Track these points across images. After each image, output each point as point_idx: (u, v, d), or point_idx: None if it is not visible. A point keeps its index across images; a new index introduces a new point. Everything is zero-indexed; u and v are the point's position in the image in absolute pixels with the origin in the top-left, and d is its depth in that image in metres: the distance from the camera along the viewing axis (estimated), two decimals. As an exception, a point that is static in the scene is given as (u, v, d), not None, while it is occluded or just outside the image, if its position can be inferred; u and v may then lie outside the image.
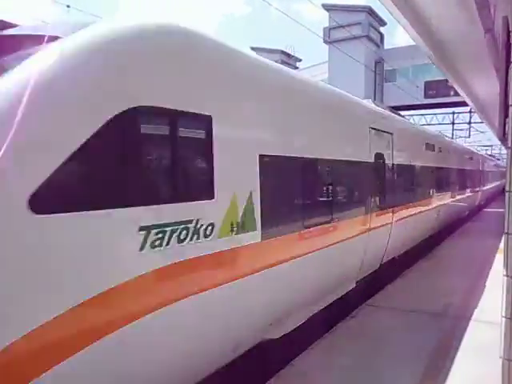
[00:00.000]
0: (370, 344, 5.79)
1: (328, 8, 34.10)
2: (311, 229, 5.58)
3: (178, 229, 3.49)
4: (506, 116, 3.81)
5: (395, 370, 5.05)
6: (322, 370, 5.05)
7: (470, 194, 20.03)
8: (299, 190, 5.55)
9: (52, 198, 2.77)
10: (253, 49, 34.67)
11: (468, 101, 14.52)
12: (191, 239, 3.62)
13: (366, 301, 7.63)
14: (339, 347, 5.69)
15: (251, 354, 4.91)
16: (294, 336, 5.66)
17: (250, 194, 4.40)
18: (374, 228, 7.79)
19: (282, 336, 5.40)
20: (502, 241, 3.95)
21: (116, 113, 3.10)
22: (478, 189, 22.87)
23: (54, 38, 3.13)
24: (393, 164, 8.99)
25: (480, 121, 28.59)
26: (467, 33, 6.82)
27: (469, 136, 39.64)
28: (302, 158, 5.47)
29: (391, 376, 4.92)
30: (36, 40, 3.12)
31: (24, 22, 3.86)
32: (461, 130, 39.86)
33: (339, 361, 5.27)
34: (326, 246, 6.00)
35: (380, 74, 34.65)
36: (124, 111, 3.15)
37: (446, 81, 14.19)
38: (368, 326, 6.45)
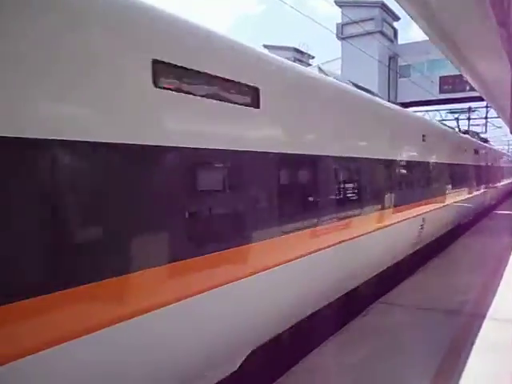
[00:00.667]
0: (382, 342, 5.75)
1: (341, 4, 33.79)
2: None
3: None
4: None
5: (408, 368, 5.01)
6: (334, 368, 5.04)
7: None
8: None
9: None
10: (265, 46, 34.58)
11: (482, 94, 14.27)
12: None
13: (378, 298, 7.59)
14: (351, 345, 5.67)
15: (262, 350, 4.92)
16: (306, 333, 5.66)
17: None
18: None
19: (293, 332, 5.42)
20: None
21: None
22: None
23: None
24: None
25: (496, 115, 28.09)
26: (480, 25, 6.71)
27: (485, 131, 38.94)
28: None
29: (404, 374, 4.88)
30: None
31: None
32: (477, 125, 39.18)
33: (351, 358, 5.25)
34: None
35: (394, 70, 34.25)
36: None
37: (462, 75, 13.95)
38: (381, 324, 6.40)
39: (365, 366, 5.05)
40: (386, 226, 7.63)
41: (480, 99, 23.99)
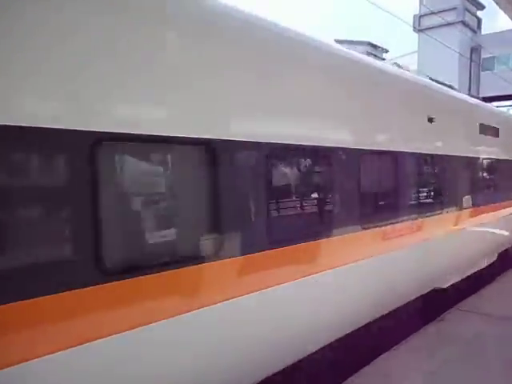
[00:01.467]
0: (458, 351, 5.51)
1: (419, -6, 32.40)
2: None
3: None
4: None
5: (484, 381, 4.75)
6: (406, 373, 4.92)
7: None
8: None
9: None
10: (338, 41, 33.91)
11: None
12: None
13: (457, 304, 7.26)
14: (424, 350, 5.49)
15: (335, 348, 4.93)
16: (378, 335, 5.58)
17: None
18: None
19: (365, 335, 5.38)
20: None
21: None
22: None
23: None
24: None
25: None
26: None
27: None
28: None
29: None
30: None
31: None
32: None
33: (423, 365, 5.09)
34: None
35: (476, 62, 32.18)
36: None
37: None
38: (457, 332, 6.14)
39: (438, 374, 4.88)
40: None
41: None
